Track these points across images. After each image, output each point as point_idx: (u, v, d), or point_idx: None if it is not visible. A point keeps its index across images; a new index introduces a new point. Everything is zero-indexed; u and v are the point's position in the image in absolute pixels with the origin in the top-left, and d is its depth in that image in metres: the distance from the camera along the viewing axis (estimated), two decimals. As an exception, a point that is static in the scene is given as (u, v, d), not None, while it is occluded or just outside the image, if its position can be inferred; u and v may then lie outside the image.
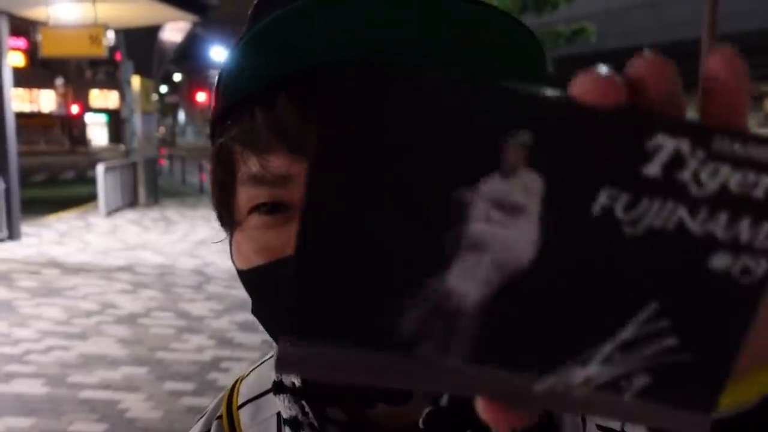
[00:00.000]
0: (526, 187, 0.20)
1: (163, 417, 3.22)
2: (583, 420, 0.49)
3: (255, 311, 0.49)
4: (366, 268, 0.21)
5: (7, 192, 7.47)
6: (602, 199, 0.20)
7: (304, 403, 0.49)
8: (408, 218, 0.20)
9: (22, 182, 8.23)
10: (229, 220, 0.48)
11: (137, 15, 9.10)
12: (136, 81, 11.03)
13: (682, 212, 0.20)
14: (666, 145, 0.20)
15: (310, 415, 0.49)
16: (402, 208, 0.20)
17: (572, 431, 0.48)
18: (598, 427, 0.47)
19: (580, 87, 0.20)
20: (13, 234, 7.54)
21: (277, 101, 0.43)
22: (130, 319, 4.66)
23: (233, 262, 0.48)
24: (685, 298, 0.21)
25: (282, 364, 0.21)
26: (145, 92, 11.27)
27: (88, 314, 4.78)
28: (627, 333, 0.21)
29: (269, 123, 0.43)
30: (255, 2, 0.48)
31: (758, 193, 0.20)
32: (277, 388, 0.51)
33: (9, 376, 3.68)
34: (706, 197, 0.20)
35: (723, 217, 0.21)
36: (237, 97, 0.45)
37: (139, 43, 10.91)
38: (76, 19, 8.19)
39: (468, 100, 0.20)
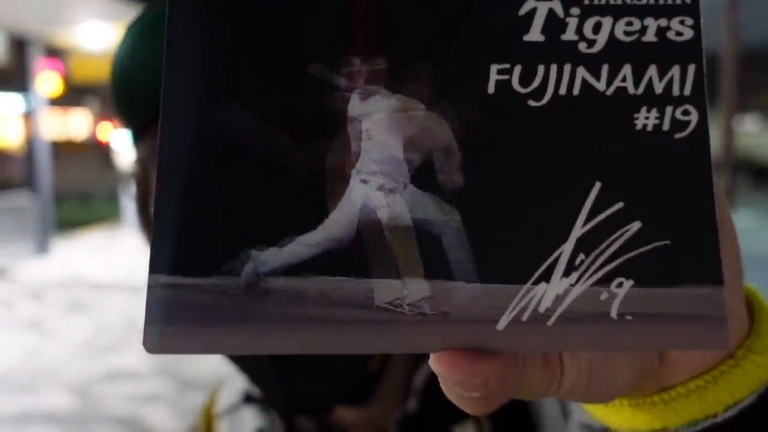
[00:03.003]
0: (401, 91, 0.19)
1: (185, 428, 3.27)
2: (565, 417, 0.46)
3: None
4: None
5: (40, 210, 7.66)
6: (495, 75, 0.19)
7: (272, 413, 0.49)
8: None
9: (55, 200, 8.43)
10: None
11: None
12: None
13: (583, 73, 0.19)
14: (538, 8, 0.19)
15: (278, 425, 0.49)
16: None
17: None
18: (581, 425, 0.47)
19: None
20: (44, 250, 7.72)
21: None
22: (156, 333, 4.73)
23: None
24: (628, 170, 0.19)
25: (149, 341, 0.18)
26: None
27: (115, 328, 4.87)
28: (581, 227, 0.18)
29: None
30: None
31: (649, 37, 0.19)
32: (246, 398, 0.51)
33: (37, 388, 3.77)
34: (601, 53, 0.19)
35: (627, 71, 0.19)
36: (140, 115, 0.46)
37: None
38: (102, 44, 8.41)
39: None
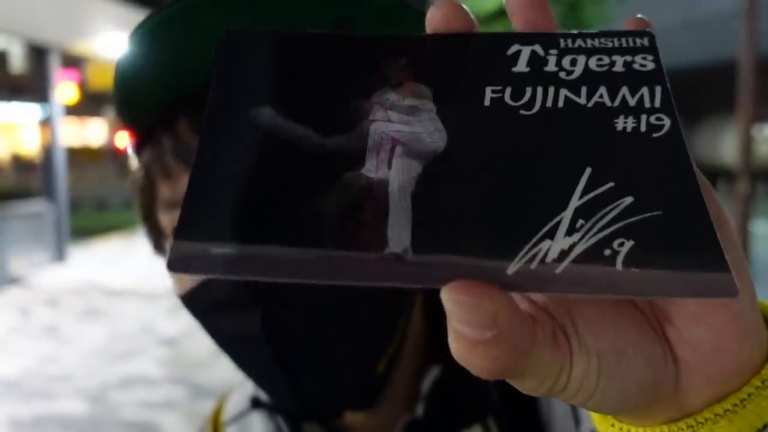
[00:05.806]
0: (413, 93, 0.23)
1: (199, 435, 3.28)
2: (576, 424, 0.46)
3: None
4: (271, 167, 0.21)
5: (56, 217, 7.75)
6: (489, 93, 0.23)
7: (279, 418, 0.49)
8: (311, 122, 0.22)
9: (71, 208, 8.52)
10: (159, 247, 0.49)
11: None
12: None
13: (566, 92, 0.23)
14: (522, 50, 0.23)
15: (285, 430, 0.49)
16: (304, 114, 0.22)
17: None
18: None
19: (437, 14, 0.23)
20: (61, 257, 7.80)
21: (179, 125, 0.43)
22: (170, 341, 4.75)
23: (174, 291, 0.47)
24: (614, 159, 0.21)
25: (174, 262, 0.19)
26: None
27: (130, 335, 4.90)
28: (577, 200, 0.20)
29: (174, 149, 0.43)
30: None
31: (618, 68, 0.23)
32: (254, 404, 0.51)
33: (53, 395, 3.80)
34: (579, 78, 0.23)
35: (603, 90, 0.23)
36: (143, 122, 0.45)
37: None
38: (119, 53, 8.49)
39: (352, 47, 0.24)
